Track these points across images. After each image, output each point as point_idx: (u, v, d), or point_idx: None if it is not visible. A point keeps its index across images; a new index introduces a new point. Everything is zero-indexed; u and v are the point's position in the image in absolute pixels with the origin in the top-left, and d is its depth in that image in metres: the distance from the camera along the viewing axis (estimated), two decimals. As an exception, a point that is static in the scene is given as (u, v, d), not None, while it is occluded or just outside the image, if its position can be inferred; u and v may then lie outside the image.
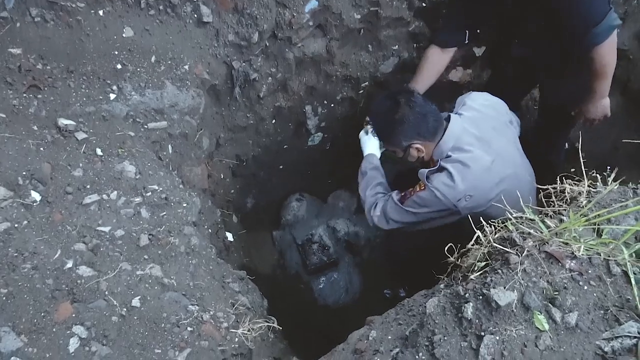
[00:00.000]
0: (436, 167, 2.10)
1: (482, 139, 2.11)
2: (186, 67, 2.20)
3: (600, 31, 2.05)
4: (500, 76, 2.83)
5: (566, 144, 3.12)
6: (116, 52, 2.05)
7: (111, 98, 2.00)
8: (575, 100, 2.47)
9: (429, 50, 2.51)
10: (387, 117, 2.15)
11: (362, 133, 2.51)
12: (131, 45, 2.09)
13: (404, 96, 2.13)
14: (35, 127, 1.81)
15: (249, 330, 1.72)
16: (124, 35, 2.09)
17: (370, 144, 2.46)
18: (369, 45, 2.84)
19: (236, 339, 1.67)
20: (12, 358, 1.32)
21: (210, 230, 2.27)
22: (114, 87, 2.01)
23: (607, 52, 2.13)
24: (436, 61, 2.51)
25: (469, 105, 2.23)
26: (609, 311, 1.14)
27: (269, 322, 1.87)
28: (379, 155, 2.45)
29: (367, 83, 3.00)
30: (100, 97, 1.98)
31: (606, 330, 1.12)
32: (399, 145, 2.19)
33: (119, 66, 2.04)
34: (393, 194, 2.25)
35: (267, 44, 2.47)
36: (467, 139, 2.10)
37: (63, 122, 1.86)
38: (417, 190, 2.12)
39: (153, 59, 2.13)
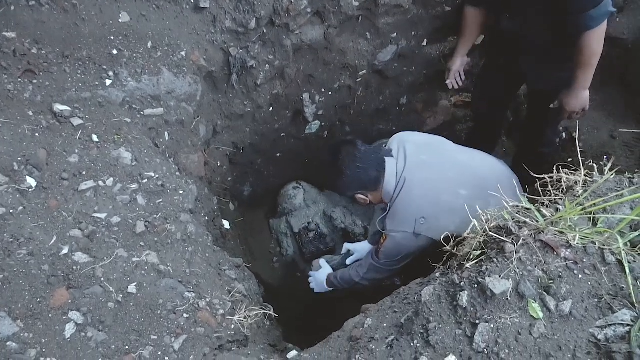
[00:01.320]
0: (387, 212, 2.14)
1: (416, 163, 2.10)
2: (183, 53, 2.19)
3: (595, 15, 2.03)
4: (493, 65, 2.82)
5: (564, 134, 3.12)
6: (112, 38, 2.04)
7: (107, 84, 1.98)
8: (557, 90, 2.44)
9: (465, 11, 2.62)
10: (330, 171, 2.18)
11: (312, 286, 2.70)
12: (127, 31, 2.07)
13: (345, 150, 2.13)
14: (30, 113, 1.80)
15: (245, 318, 1.73)
16: (120, 20, 2.07)
17: (321, 274, 2.63)
18: (367, 33, 2.83)
19: (232, 326, 1.68)
20: (8, 343, 1.32)
21: (207, 218, 2.27)
22: (110, 73, 2.00)
23: (597, 40, 2.10)
24: (474, 19, 2.63)
25: (392, 143, 2.24)
26: (603, 299, 1.15)
27: (265, 310, 1.88)
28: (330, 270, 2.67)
29: (365, 71, 2.99)
30: (96, 83, 1.97)
31: (600, 319, 1.12)
32: (344, 194, 2.26)
33: (115, 52, 2.02)
34: (371, 254, 2.32)
35: (265, 31, 2.45)
36: (401, 169, 2.10)
37: (59, 107, 1.84)
38: (382, 244, 2.17)
39: (149, 44, 2.11)
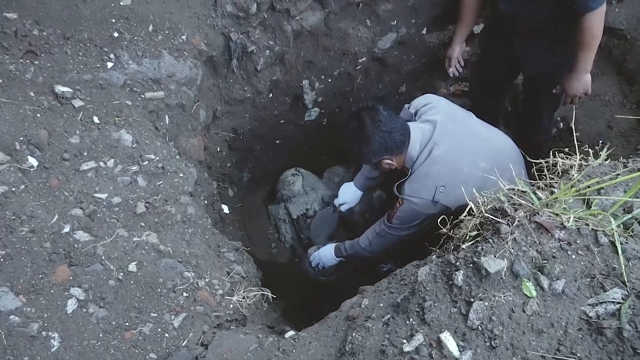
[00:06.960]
0: (407, 176, 2.17)
1: (444, 131, 2.13)
2: (184, 37, 2.19)
3: None
4: (490, 53, 2.83)
5: (561, 124, 3.13)
6: (113, 20, 2.04)
7: (108, 66, 1.99)
8: (557, 76, 2.45)
9: None
10: (354, 139, 2.16)
11: (316, 260, 2.70)
12: (128, 14, 2.07)
13: (369, 115, 2.12)
14: (31, 93, 1.81)
15: (243, 298, 1.75)
16: (121, 3, 2.07)
17: (327, 248, 2.64)
18: (368, 20, 2.83)
19: (231, 306, 1.70)
20: (11, 317, 1.35)
21: (206, 202, 2.29)
22: (111, 55, 2.00)
23: (598, 22, 2.11)
24: (471, 4, 2.65)
25: (415, 106, 2.29)
26: (595, 279, 1.17)
27: (263, 291, 1.90)
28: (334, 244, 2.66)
29: (364, 58, 2.99)
30: (97, 65, 1.97)
31: (592, 297, 1.15)
32: (370, 162, 2.25)
33: (115, 34, 2.03)
34: (382, 220, 2.33)
35: (265, 16, 2.45)
36: (427, 136, 2.13)
37: (60, 89, 1.85)
38: (397, 207, 2.18)
39: (150, 28, 2.11)
